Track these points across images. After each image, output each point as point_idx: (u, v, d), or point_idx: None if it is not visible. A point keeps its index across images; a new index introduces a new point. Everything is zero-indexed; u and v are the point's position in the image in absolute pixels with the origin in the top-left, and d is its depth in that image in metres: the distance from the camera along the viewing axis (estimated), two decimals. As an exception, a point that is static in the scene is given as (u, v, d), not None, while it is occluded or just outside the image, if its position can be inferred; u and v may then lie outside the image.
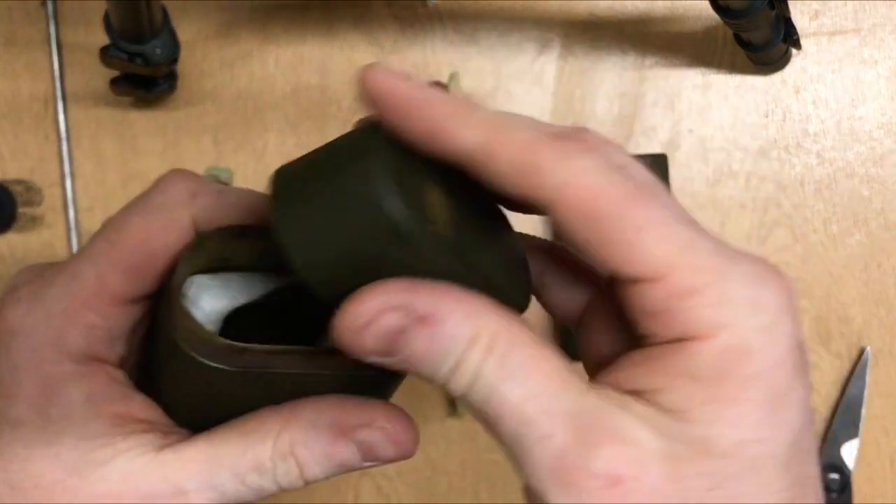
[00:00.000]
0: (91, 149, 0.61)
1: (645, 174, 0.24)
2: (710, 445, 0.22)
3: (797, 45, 0.58)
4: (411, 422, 0.28)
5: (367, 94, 0.24)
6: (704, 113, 0.61)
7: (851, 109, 0.61)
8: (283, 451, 0.27)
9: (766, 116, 0.61)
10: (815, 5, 0.61)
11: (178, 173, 0.30)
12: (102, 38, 0.52)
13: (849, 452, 0.60)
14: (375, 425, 0.27)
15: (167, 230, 0.28)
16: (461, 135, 0.23)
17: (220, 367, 0.27)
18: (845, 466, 0.60)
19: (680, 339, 0.23)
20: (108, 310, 0.28)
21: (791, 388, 0.23)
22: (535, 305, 0.29)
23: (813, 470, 0.24)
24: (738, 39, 0.57)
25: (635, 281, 0.23)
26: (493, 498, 0.61)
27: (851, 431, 0.60)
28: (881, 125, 0.61)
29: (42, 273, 0.29)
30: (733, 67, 0.61)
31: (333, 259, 0.24)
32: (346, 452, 0.28)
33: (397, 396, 0.65)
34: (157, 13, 0.52)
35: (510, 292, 0.26)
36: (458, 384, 0.24)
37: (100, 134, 0.61)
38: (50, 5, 0.60)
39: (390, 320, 0.23)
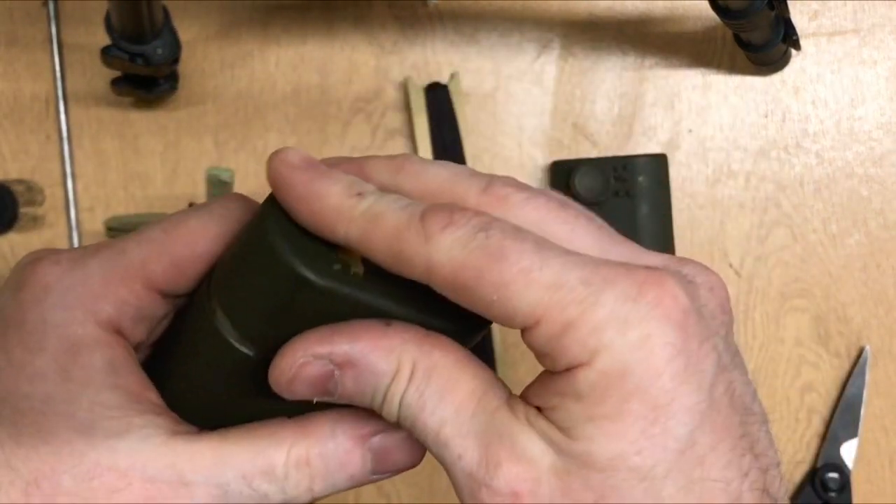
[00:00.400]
0: (92, 149, 0.61)
1: (507, 227, 0.25)
2: (592, 460, 0.24)
3: (796, 45, 0.58)
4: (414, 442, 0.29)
5: (269, 177, 0.27)
6: (704, 113, 0.61)
7: (851, 109, 0.61)
8: (299, 458, 0.28)
9: (766, 116, 0.61)
10: (814, 6, 0.61)
11: (242, 196, 0.30)
12: (103, 39, 0.52)
13: (848, 452, 0.60)
14: (390, 430, 0.28)
15: (219, 239, 0.29)
16: (341, 229, 0.25)
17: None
18: (845, 466, 0.60)
19: (568, 368, 0.24)
20: (142, 292, 0.29)
21: (674, 396, 0.24)
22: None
23: (718, 475, 0.24)
24: (738, 40, 0.57)
25: (522, 330, 0.25)
26: (493, 497, 0.61)
27: (851, 431, 0.60)
28: (880, 125, 0.61)
29: (74, 250, 0.30)
30: (733, 68, 0.61)
31: (264, 320, 0.26)
32: (358, 461, 0.28)
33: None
34: (158, 13, 0.52)
35: (441, 317, 0.27)
36: (389, 413, 0.26)
37: (101, 134, 0.61)
38: (51, 5, 0.60)
39: (314, 370, 0.26)
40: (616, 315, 0.23)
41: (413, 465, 0.29)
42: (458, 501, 0.25)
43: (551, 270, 0.24)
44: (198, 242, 0.29)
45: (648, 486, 0.24)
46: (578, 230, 0.26)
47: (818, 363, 0.61)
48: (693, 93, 0.61)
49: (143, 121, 0.61)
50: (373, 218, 0.25)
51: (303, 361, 0.26)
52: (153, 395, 0.29)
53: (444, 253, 0.24)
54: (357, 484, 0.29)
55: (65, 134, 0.60)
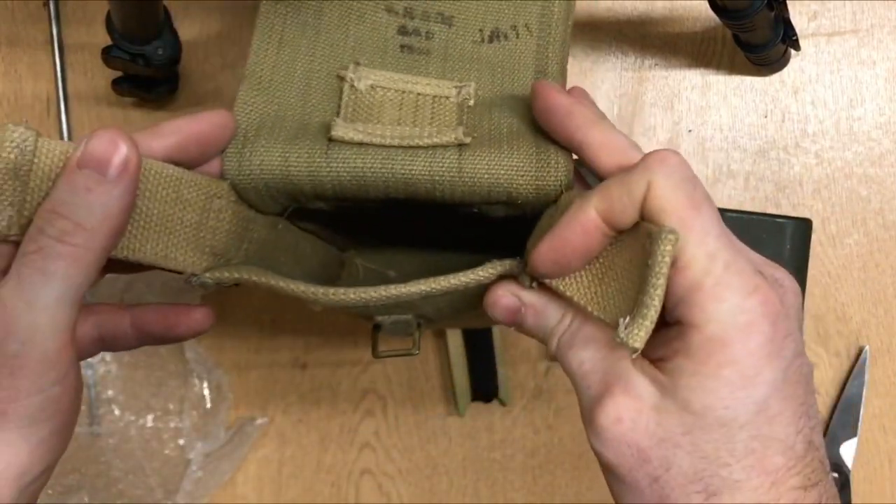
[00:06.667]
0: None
1: (704, 191, 0.33)
2: (688, 404, 0.32)
3: (796, 45, 0.58)
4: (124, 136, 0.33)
5: (535, 99, 0.37)
6: (704, 113, 0.62)
7: (850, 110, 0.61)
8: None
9: (765, 117, 0.62)
10: (813, 6, 0.61)
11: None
12: (104, 39, 0.52)
13: (847, 451, 0.60)
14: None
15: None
16: (587, 134, 0.36)
17: None
18: (844, 465, 0.60)
19: (684, 323, 0.32)
20: None
21: (758, 371, 0.31)
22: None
23: (780, 429, 0.32)
24: (737, 40, 0.57)
25: (675, 267, 0.32)
26: (493, 496, 0.61)
27: (850, 430, 0.60)
28: (879, 125, 0.61)
29: None
30: (732, 68, 0.61)
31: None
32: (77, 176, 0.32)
33: (400, 396, 0.66)
34: (159, 14, 0.52)
35: None
36: (550, 346, 0.37)
37: (102, 134, 0.61)
38: (52, 6, 0.60)
39: (508, 301, 0.37)
40: (734, 300, 0.31)
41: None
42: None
43: (717, 242, 0.32)
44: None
45: (726, 431, 0.31)
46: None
47: (817, 363, 0.61)
48: (693, 93, 0.62)
49: (143, 121, 0.61)
50: (607, 133, 0.36)
51: (501, 294, 0.37)
52: None
53: (661, 178, 0.32)
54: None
55: (66, 134, 0.60)
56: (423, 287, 0.35)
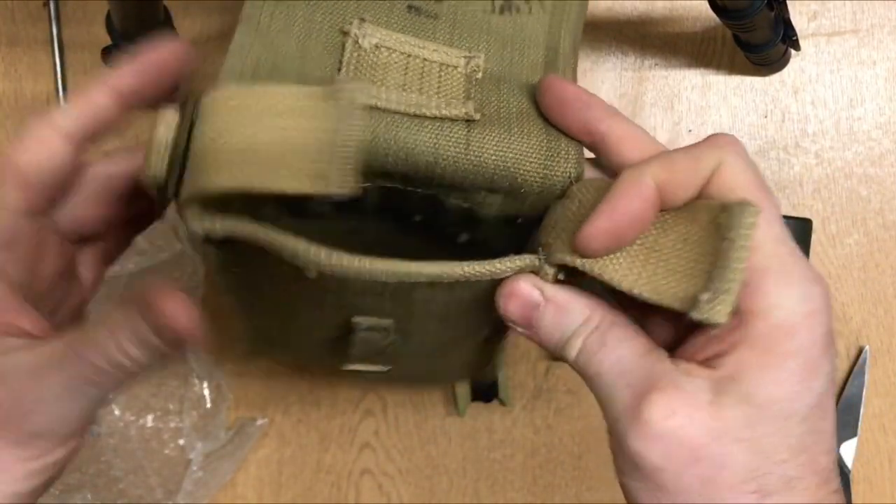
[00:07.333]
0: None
1: (762, 176, 0.32)
2: (750, 398, 0.30)
3: (796, 45, 0.58)
4: (188, 303, 0.32)
5: (545, 93, 0.35)
6: (704, 113, 0.62)
7: (850, 110, 0.62)
8: (111, 327, 0.32)
9: (765, 117, 0.62)
10: (813, 6, 0.61)
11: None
12: (104, 39, 0.52)
13: (848, 451, 0.60)
14: (159, 293, 0.32)
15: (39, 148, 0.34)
16: (603, 123, 0.35)
17: None
18: (844, 465, 0.60)
19: (744, 312, 0.30)
20: (11, 221, 0.34)
21: (820, 363, 0.30)
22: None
23: (828, 426, 0.31)
24: (737, 40, 0.57)
25: None
26: (493, 496, 0.61)
27: (850, 430, 0.60)
28: (879, 125, 0.61)
29: None
30: (732, 68, 0.61)
31: None
32: (141, 322, 0.32)
33: (400, 396, 0.65)
34: (159, 14, 0.52)
35: None
36: (570, 349, 0.33)
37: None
38: (52, 6, 0.60)
39: (527, 291, 0.34)
40: (800, 287, 0.30)
41: (183, 330, 0.32)
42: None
43: (781, 229, 0.31)
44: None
45: (786, 425, 0.30)
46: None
47: (817, 363, 0.61)
48: (692, 93, 0.62)
49: (143, 121, 0.61)
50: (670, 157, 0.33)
51: (522, 285, 0.33)
52: (28, 322, 0.33)
53: (733, 157, 0.31)
54: (160, 352, 0.33)
55: (66, 134, 0.60)
56: (435, 270, 0.33)
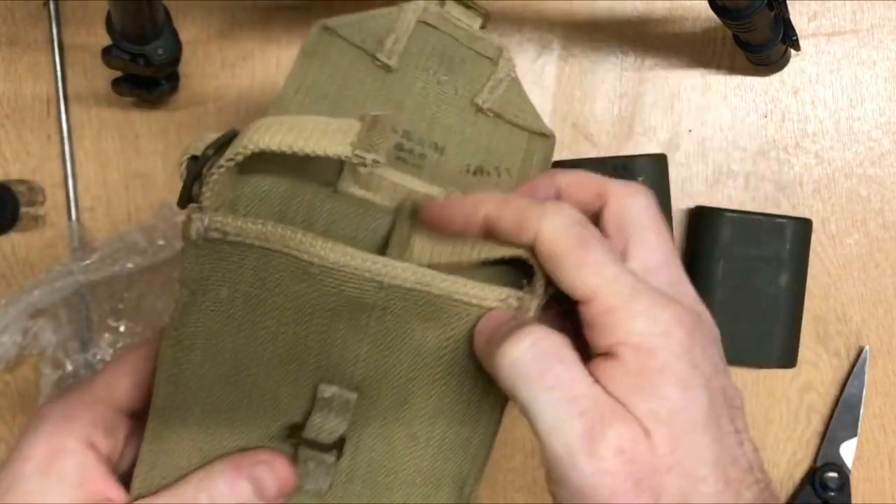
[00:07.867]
0: (93, 149, 0.61)
1: (594, 230, 0.34)
2: (656, 415, 0.32)
3: (796, 45, 0.58)
4: (290, 462, 0.37)
5: (428, 218, 0.37)
6: (704, 113, 0.62)
7: (850, 110, 0.62)
8: (200, 486, 0.36)
9: (765, 117, 0.62)
10: (813, 6, 0.61)
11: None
12: (104, 39, 0.52)
13: (848, 451, 0.60)
14: (263, 459, 0.36)
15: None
16: (481, 210, 0.36)
17: None
18: (844, 465, 0.60)
19: (609, 346, 0.33)
20: (107, 412, 0.38)
21: (692, 376, 0.32)
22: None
23: (729, 427, 0.33)
24: (738, 40, 0.57)
25: (578, 302, 0.33)
26: (493, 496, 0.61)
27: (850, 430, 0.60)
28: (879, 125, 0.61)
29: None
30: (732, 68, 0.61)
31: None
32: (243, 487, 0.36)
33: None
34: (159, 14, 0.52)
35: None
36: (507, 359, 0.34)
37: (102, 134, 0.61)
38: (52, 6, 0.60)
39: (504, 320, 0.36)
40: (648, 312, 0.32)
41: (288, 491, 0.37)
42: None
43: (614, 269, 0.33)
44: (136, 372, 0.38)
45: (696, 434, 0.32)
46: (663, 241, 0.36)
47: (818, 363, 0.61)
48: (693, 93, 0.62)
49: (143, 121, 0.61)
50: (506, 199, 0.35)
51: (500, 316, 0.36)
52: (116, 494, 0.36)
53: (549, 227, 0.34)
54: None
55: (66, 134, 0.60)
56: (442, 284, 0.35)
